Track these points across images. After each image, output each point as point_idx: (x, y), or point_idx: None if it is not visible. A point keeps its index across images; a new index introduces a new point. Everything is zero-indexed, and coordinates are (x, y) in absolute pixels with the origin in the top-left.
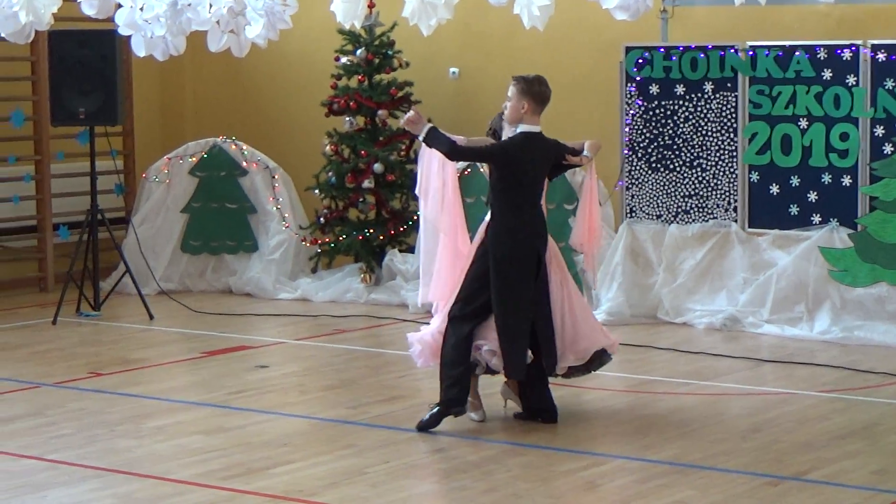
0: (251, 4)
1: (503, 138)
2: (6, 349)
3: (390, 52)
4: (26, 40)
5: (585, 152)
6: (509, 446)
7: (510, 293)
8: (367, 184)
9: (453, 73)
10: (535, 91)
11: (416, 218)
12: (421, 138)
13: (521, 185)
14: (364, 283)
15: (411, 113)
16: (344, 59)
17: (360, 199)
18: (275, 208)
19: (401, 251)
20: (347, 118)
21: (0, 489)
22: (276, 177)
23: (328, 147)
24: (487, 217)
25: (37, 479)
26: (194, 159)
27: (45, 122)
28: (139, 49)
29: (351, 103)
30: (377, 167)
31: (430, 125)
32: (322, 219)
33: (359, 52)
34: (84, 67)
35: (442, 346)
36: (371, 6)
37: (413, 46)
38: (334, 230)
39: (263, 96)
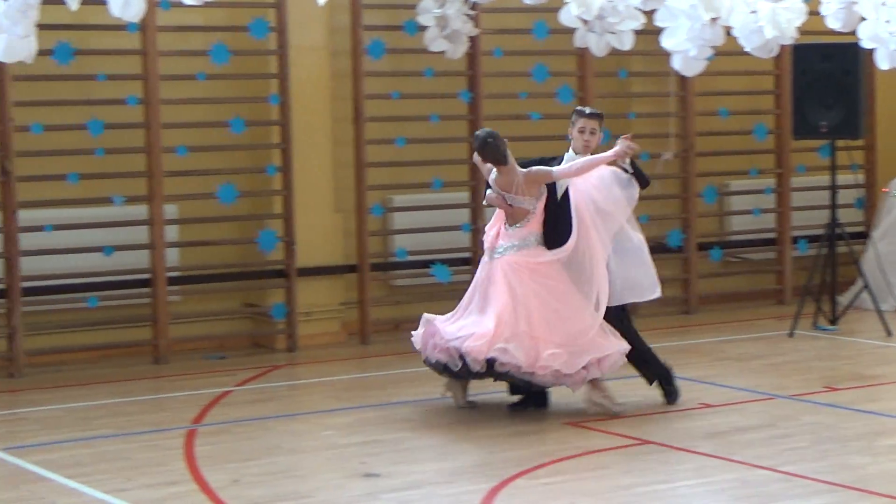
0: None
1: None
2: (743, 359)
3: None
4: (770, 55)
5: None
6: None
7: None
8: None
9: None
10: None
11: None
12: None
13: None
14: None
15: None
16: None
17: None
18: None
19: None
20: None
21: (733, 497)
22: None
23: None
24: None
25: (769, 490)
26: None
27: (786, 135)
28: (883, 62)
29: None
30: None
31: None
32: None
33: None
34: (827, 81)
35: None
36: None
37: None
38: None
39: None
